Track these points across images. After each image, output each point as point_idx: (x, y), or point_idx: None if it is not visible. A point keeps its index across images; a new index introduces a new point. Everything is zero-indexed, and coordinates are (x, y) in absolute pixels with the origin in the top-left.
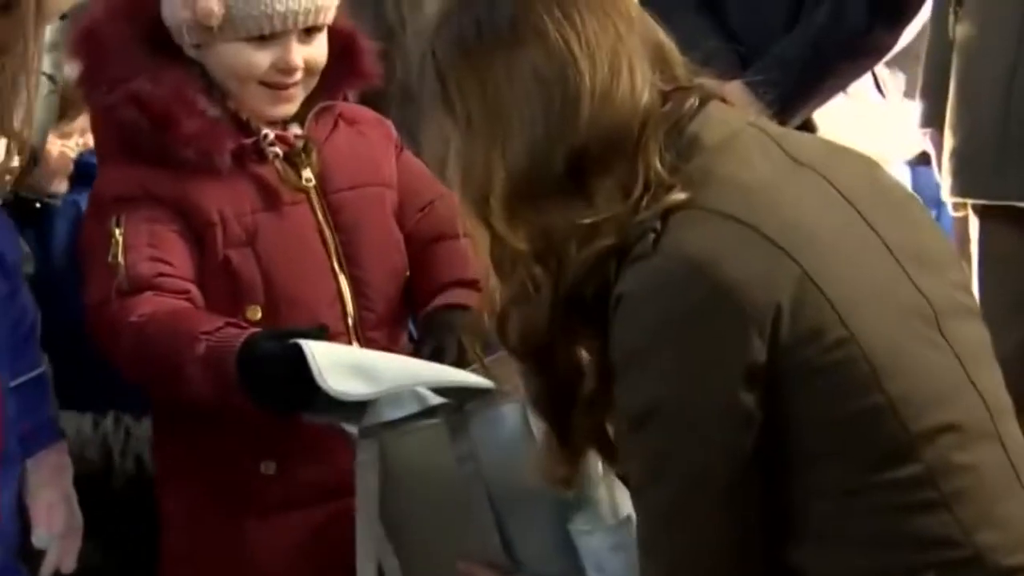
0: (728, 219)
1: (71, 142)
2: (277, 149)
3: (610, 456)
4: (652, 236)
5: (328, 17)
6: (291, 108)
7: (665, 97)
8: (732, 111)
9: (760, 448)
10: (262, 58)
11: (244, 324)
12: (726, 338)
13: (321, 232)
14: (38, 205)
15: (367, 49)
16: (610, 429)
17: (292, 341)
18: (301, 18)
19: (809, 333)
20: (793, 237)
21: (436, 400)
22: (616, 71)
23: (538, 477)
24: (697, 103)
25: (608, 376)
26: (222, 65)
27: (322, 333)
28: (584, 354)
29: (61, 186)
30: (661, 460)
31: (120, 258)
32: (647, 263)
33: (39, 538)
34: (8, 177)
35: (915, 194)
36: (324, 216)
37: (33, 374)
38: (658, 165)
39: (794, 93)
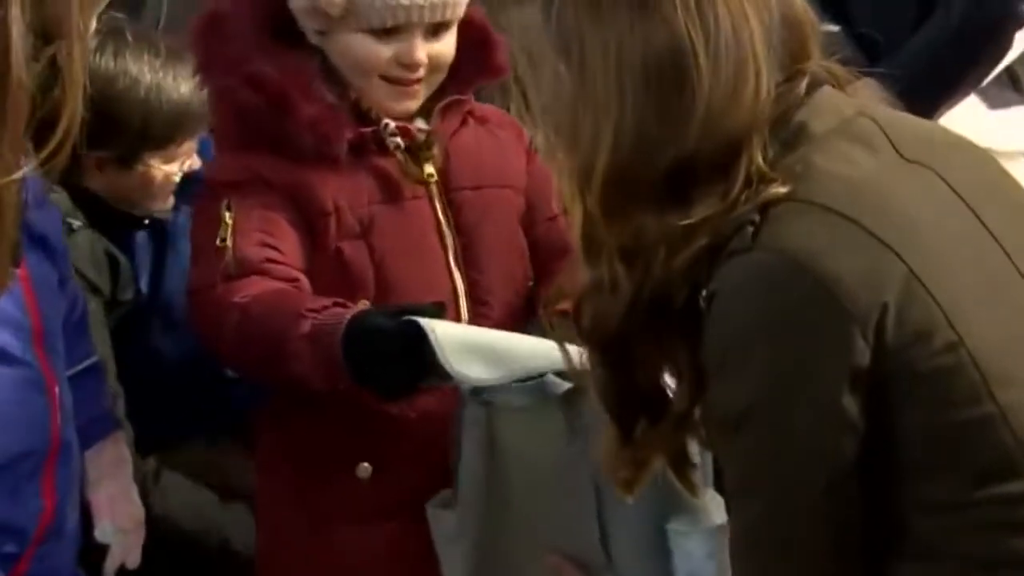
0: (830, 212)
1: (175, 166)
2: (399, 140)
3: (681, 469)
4: (750, 229)
5: (457, 12)
6: (414, 104)
7: (786, 78)
8: (844, 98)
9: (861, 457)
10: (384, 51)
11: (352, 304)
12: (828, 338)
13: (440, 230)
14: (146, 222)
15: (499, 43)
16: (692, 445)
17: (407, 318)
18: (427, 13)
19: (915, 336)
20: (899, 234)
21: (556, 383)
22: (741, 80)
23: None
24: (805, 89)
25: (698, 394)
26: (344, 55)
27: (439, 312)
28: (667, 371)
29: (165, 205)
30: (757, 466)
31: (229, 241)
32: (745, 258)
33: (103, 531)
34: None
35: None
36: (444, 213)
37: (87, 363)
38: (760, 160)
39: (931, 86)
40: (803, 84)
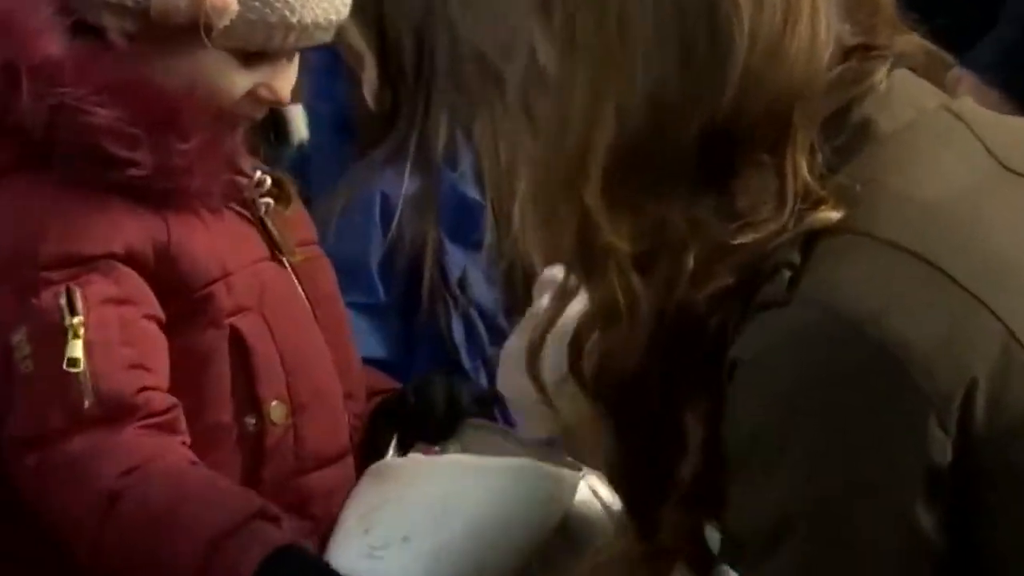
0: (899, 251)
1: None
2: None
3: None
4: (787, 274)
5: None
6: None
7: (845, 56)
8: (927, 87)
9: None
10: (245, 80)
11: (273, 512)
12: (893, 427)
13: (299, 295)
14: None
15: None
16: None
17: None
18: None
19: (1017, 423)
20: (995, 282)
21: None
22: (793, 16)
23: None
24: (876, 73)
25: (718, 459)
26: (179, 74)
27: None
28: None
29: None
30: None
31: (83, 364)
32: (778, 314)
33: None
34: None
35: None
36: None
37: None
38: (804, 169)
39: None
40: (873, 66)
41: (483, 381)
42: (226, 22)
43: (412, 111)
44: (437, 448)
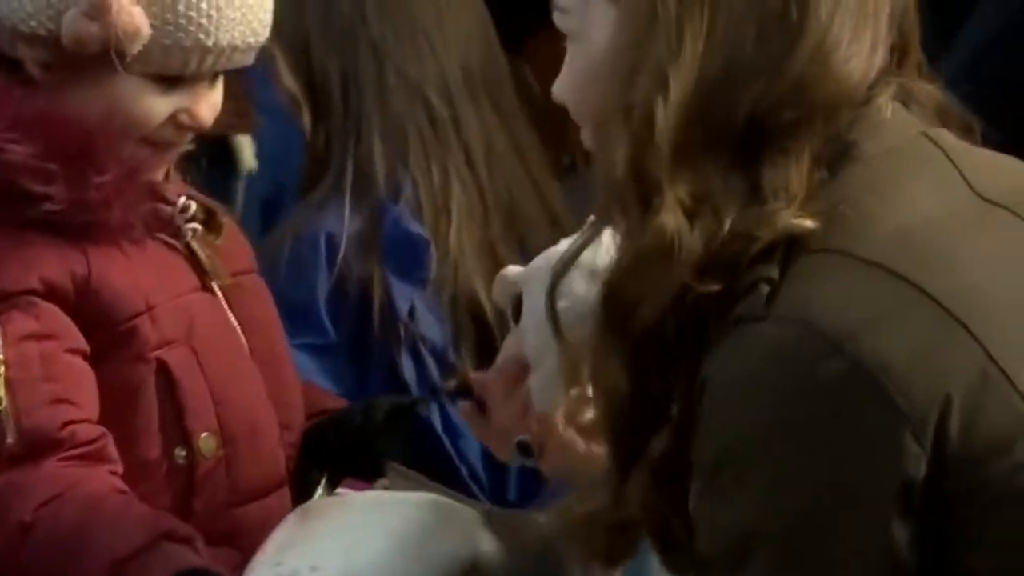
0: (879, 270)
1: None
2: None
3: (667, 552)
4: (765, 289)
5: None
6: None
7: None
8: (909, 118)
9: None
10: (164, 106)
11: (183, 534)
12: (868, 443)
13: (231, 324)
14: None
15: None
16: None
17: None
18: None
19: (992, 442)
20: (972, 302)
21: None
22: (858, 29)
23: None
24: (886, 104)
25: (684, 450)
26: (94, 103)
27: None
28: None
29: None
30: None
31: (4, 401)
32: (755, 330)
33: None
34: None
35: None
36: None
37: None
38: (793, 176)
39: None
40: (879, 94)
41: (435, 415)
42: (139, 47)
43: (344, 145)
44: (372, 485)
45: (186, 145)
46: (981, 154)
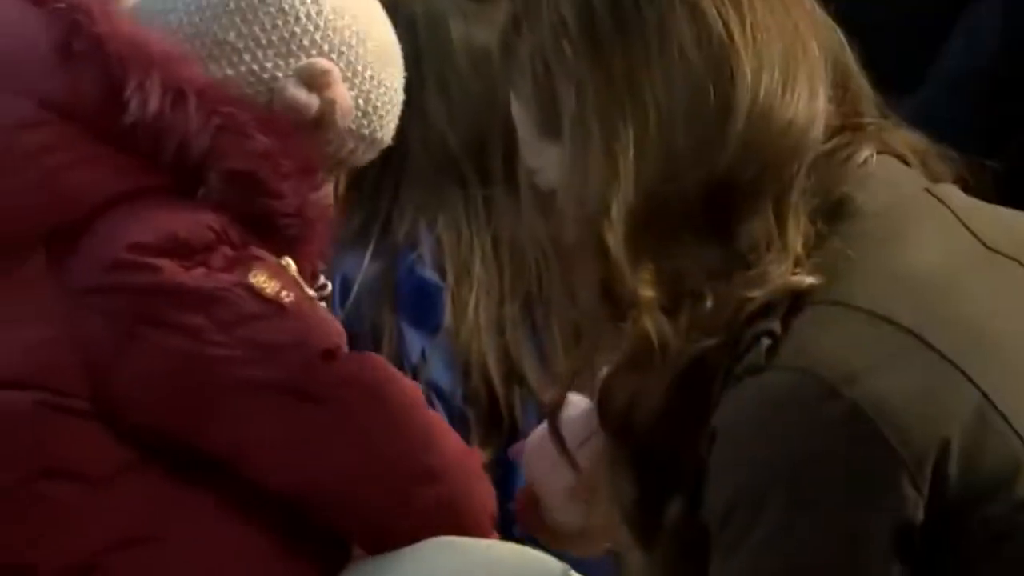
0: (876, 319)
1: None
2: None
3: None
4: (767, 343)
5: None
6: None
7: (832, 134)
8: (905, 172)
9: None
10: None
11: None
12: (865, 486)
13: None
14: None
15: None
16: None
17: None
18: None
19: (992, 483)
20: (971, 349)
21: None
22: (789, 80)
23: None
24: (857, 154)
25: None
26: None
27: None
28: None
29: None
30: None
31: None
32: (755, 381)
33: None
34: None
35: None
36: None
37: None
38: (792, 234)
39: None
40: (860, 147)
41: None
42: (348, 124)
43: (377, 199)
44: None
45: None
46: (984, 208)
